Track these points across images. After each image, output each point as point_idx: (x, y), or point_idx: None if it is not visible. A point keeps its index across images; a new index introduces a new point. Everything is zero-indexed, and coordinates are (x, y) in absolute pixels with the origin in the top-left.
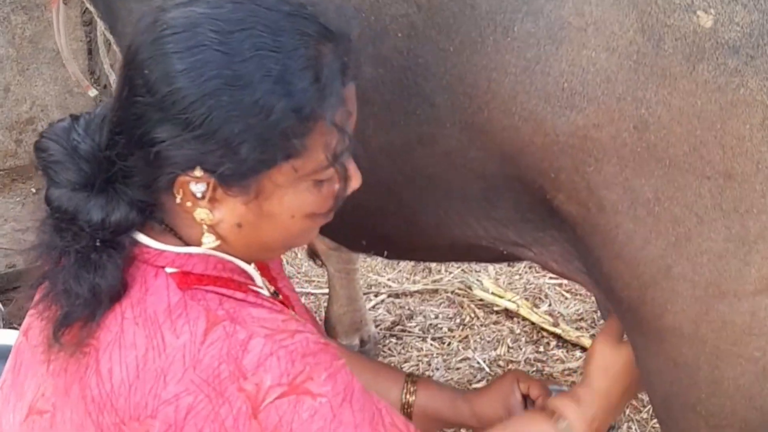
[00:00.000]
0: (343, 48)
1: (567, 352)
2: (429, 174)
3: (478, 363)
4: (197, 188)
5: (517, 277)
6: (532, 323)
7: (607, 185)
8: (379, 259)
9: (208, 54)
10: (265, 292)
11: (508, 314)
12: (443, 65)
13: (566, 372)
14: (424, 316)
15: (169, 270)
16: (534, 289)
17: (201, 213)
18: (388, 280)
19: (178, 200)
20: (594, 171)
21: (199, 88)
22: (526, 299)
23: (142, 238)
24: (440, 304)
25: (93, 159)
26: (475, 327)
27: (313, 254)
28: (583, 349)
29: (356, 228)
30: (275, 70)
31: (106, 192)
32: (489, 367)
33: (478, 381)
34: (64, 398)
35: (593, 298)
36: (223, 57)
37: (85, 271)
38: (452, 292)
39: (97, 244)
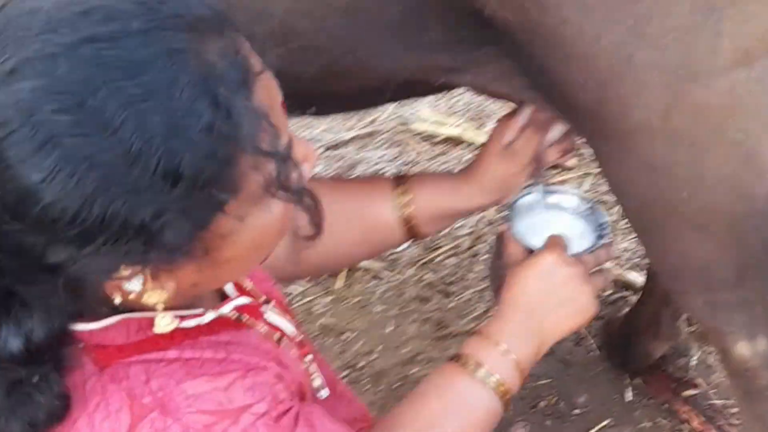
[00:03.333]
0: (229, 34)
1: None
2: (345, 8)
3: None
4: (132, 285)
5: (455, 98)
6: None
7: None
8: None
9: (67, 145)
10: (208, 316)
11: (454, 141)
12: None
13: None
14: (367, 163)
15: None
16: (476, 107)
17: (152, 297)
18: (323, 131)
19: (117, 301)
20: None
21: (75, 193)
22: (471, 120)
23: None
24: (381, 145)
25: None
26: (422, 162)
27: None
28: None
29: None
30: (159, 124)
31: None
32: None
33: None
34: None
35: None
36: (88, 141)
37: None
38: (391, 131)
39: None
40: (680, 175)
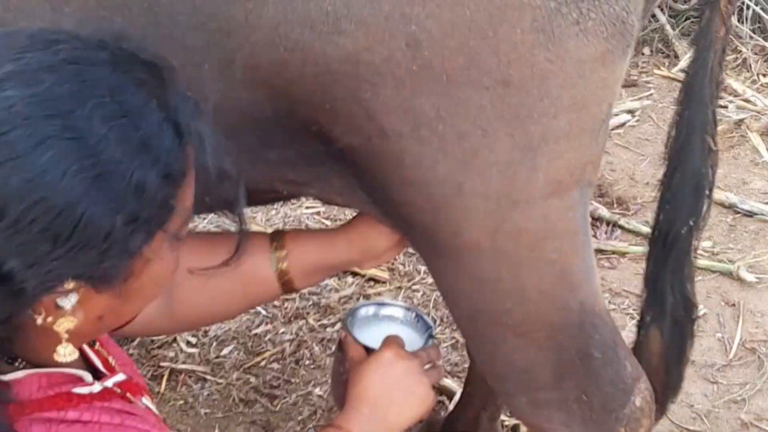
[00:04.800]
0: (172, 75)
1: (339, 280)
2: None
3: (257, 309)
4: (66, 301)
5: (273, 211)
6: None
7: (386, 110)
8: None
9: (59, 147)
10: (97, 387)
11: None
12: (191, 1)
13: (342, 300)
14: None
15: None
16: (293, 221)
17: (65, 324)
18: None
19: (39, 321)
20: (371, 97)
21: (62, 193)
22: None
23: None
24: None
25: None
26: None
27: None
28: (354, 274)
29: None
30: (135, 138)
31: None
32: (265, 310)
33: (257, 326)
34: None
35: None
36: (77, 144)
37: None
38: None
39: None
40: (504, 289)
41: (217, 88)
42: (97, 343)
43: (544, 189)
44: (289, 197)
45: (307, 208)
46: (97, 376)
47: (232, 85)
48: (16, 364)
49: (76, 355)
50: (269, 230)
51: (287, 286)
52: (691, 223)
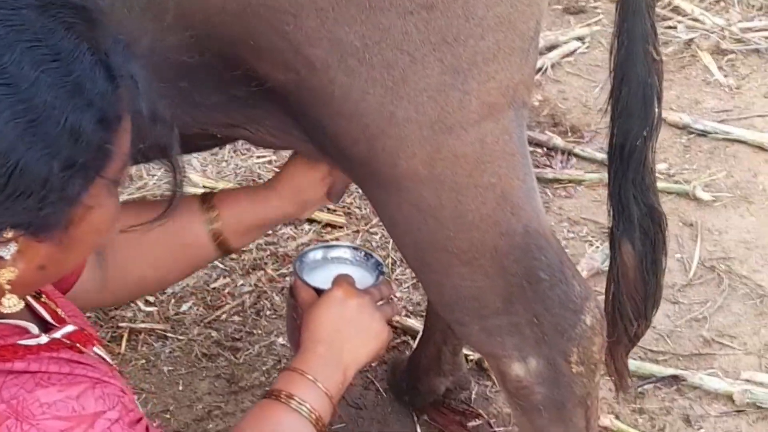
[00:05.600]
0: (102, 18)
1: (296, 228)
2: None
3: (214, 263)
4: (6, 251)
5: (224, 164)
6: None
7: (311, 42)
8: None
9: None
10: (44, 338)
11: None
12: None
13: (300, 248)
14: None
15: None
16: (245, 172)
17: (6, 274)
18: None
19: None
20: (294, 29)
21: None
22: (240, 184)
23: None
24: None
25: None
26: None
27: None
28: (311, 221)
29: None
30: (67, 82)
31: None
32: (222, 264)
33: (215, 280)
34: None
35: None
36: (9, 90)
37: None
38: (161, 196)
39: None
40: (446, 216)
41: (147, 30)
42: (44, 296)
43: (477, 112)
44: (225, 141)
45: (258, 158)
46: (46, 328)
47: (159, 29)
48: None
49: (21, 305)
50: (221, 184)
51: (223, 246)
52: (644, 133)
